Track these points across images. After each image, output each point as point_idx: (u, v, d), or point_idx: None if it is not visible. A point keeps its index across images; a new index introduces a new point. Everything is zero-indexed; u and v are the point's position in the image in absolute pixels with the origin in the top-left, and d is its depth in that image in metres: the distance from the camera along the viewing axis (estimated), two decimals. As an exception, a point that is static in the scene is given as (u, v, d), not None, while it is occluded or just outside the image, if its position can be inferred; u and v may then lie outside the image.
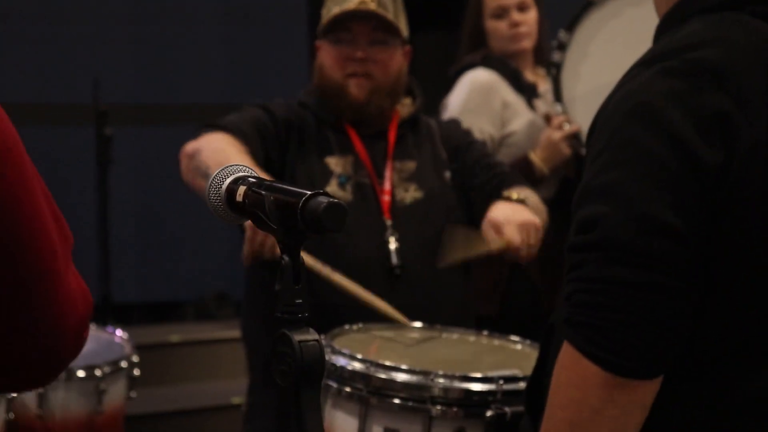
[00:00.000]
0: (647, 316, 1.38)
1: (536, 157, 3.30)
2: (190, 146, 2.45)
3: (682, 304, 1.39)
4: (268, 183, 1.26)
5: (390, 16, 2.57)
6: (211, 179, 1.31)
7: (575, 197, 1.49)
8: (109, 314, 4.50)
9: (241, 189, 1.28)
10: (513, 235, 2.27)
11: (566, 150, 3.27)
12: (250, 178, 1.29)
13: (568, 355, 1.44)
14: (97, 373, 2.69)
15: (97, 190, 4.65)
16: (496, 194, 2.53)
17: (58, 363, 1.37)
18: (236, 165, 1.33)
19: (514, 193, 2.43)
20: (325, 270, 2.29)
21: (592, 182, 1.45)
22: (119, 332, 2.96)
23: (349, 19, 2.56)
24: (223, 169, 1.31)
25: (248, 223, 2.20)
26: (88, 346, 2.85)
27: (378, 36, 2.59)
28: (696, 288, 1.40)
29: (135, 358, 2.81)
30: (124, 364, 2.78)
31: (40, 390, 2.56)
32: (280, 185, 1.24)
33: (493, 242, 2.28)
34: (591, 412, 1.42)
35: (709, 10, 1.51)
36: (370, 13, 2.56)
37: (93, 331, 2.97)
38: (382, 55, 2.59)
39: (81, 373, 2.67)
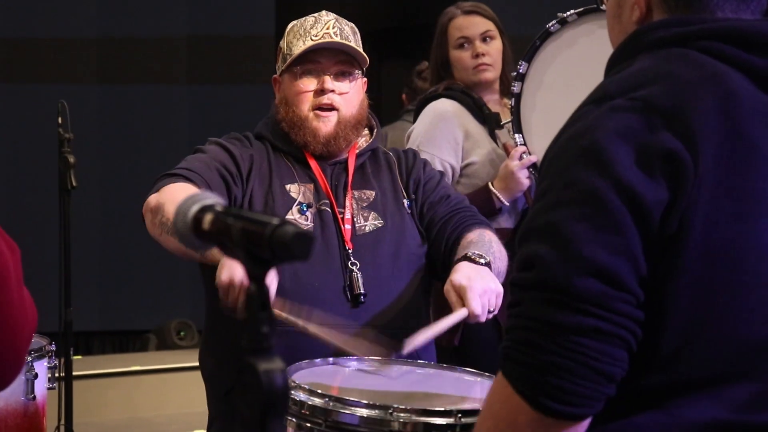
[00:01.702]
0: (579, 360, 1.39)
1: (495, 188, 3.32)
2: (152, 200, 2.39)
3: (615, 349, 1.40)
4: (236, 212, 1.26)
5: (357, 45, 2.59)
6: (177, 206, 1.31)
7: (519, 234, 1.50)
8: (70, 342, 4.46)
9: (208, 217, 1.28)
10: (474, 304, 2.28)
11: (525, 181, 3.30)
12: (217, 206, 1.30)
13: (501, 386, 1.45)
14: (28, 358, 2.72)
15: (59, 218, 4.62)
16: (458, 237, 2.53)
17: (16, 367, 1.38)
18: (203, 193, 1.33)
19: (478, 252, 2.42)
20: (301, 322, 2.28)
21: (535, 221, 1.46)
22: None
23: (316, 52, 2.57)
24: (190, 197, 1.31)
25: (220, 282, 2.20)
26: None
27: (343, 68, 2.61)
28: (632, 331, 1.41)
29: (52, 347, 2.84)
30: (45, 351, 2.82)
31: None
32: (248, 214, 1.25)
33: (455, 310, 2.30)
34: None
35: (657, 46, 1.54)
36: (342, 45, 2.57)
37: None
38: (347, 87, 2.61)
39: None
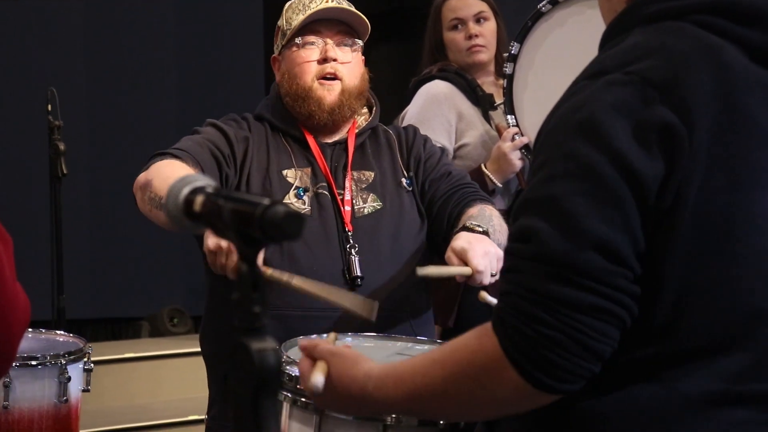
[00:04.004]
0: (576, 338, 1.40)
1: (488, 170, 3.31)
2: (141, 178, 2.39)
3: (609, 327, 1.41)
4: (226, 193, 1.26)
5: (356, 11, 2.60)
6: (169, 189, 1.31)
7: (514, 207, 1.50)
8: (62, 329, 4.46)
9: (199, 198, 1.28)
10: (476, 262, 2.28)
11: (517, 162, 3.29)
12: (208, 188, 1.29)
13: (489, 342, 1.45)
14: (62, 360, 2.71)
15: (50, 206, 4.62)
16: (459, 212, 2.53)
17: (7, 361, 1.38)
18: (194, 175, 1.33)
19: (477, 222, 2.43)
20: (285, 276, 2.28)
21: (532, 193, 1.46)
22: (62, 332, 3.02)
23: (317, 22, 2.58)
24: (181, 179, 1.31)
25: (207, 248, 2.21)
26: (43, 343, 2.83)
27: (344, 38, 2.61)
28: (628, 307, 1.42)
29: (89, 348, 2.83)
30: (81, 353, 2.81)
31: (6, 380, 2.59)
32: (238, 195, 1.25)
33: (461, 268, 2.30)
34: (493, 400, 1.46)
35: (652, 20, 1.54)
36: (343, 10, 2.58)
37: (41, 333, 3.02)
38: (349, 56, 2.61)
39: (47, 363, 2.71)
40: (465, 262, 2.30)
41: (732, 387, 1.46)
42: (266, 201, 1.19)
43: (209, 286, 2.61)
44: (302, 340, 2.23)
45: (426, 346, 2.34)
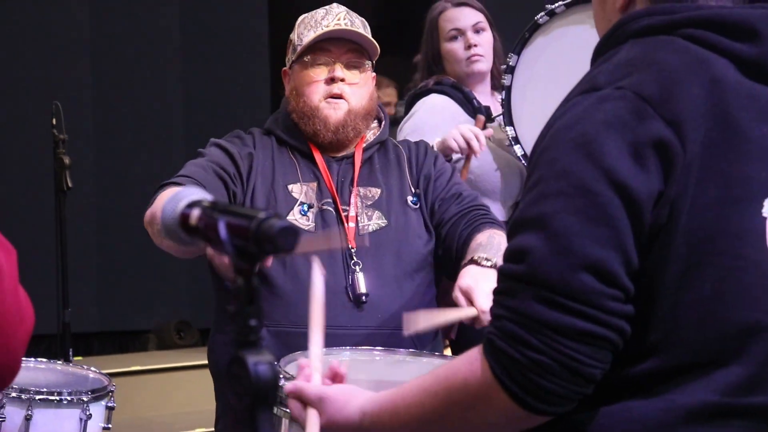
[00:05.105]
0: (565, 363, 1.40)
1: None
2: (149, 213, 2.41)
3: (601, 351, 1.41)
4: (222, 206, 1.27)
5: (368, 35, 2.60)
6: (164, 204, 1.32)
7: (509, 224, 1.50)
8: (68, 343, 4.47)
9: (195, 213, 1.29)
10: (482, 301, 2.26)
11: (452, 144, 3.26)
12: (203, 202, 1.30)
13: (480, 367, 1.45)
14: (84, 398, 2.72)
15: (55, 219, 4.63)
16: (468, 236, 2.52)
17: (12, 370, 1.38)
18: (189, 189, 1.34)
19: (486, 255, 2.42)
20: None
21: (526, 212, 1.46)
22: (93, 368, 3.02)
23: (326, 41, 2.58)
24: (176, 194, 1.32)
25: (219, 260, 2.21)
26: (70, 378, 2.85)
27: (353, 58, 2.62)
28: (620, 330, 1.42)
29: (112, 387, 2.84)
30: (104, 392, 2.83)
31: (28, 413, 2.61)
32: (234, 208, 1.26)
33: (464, 310, 2.30)
34: (486, 424, 1.47)
35: (642, 34, 1.54)
36: (352, 32, 2.58)
37: (69, 366, 3.05)
38: (357, 77, 2.61)
39: (71, 399, 2.72)
40: (470, 302, 2.29)
41: (727, 400, 1.46)
42: (261, 215, 1.20)
43: (216, 301, 2.63)
44: (299, 354, 2.23)
45: (425, 359, 2.33)
